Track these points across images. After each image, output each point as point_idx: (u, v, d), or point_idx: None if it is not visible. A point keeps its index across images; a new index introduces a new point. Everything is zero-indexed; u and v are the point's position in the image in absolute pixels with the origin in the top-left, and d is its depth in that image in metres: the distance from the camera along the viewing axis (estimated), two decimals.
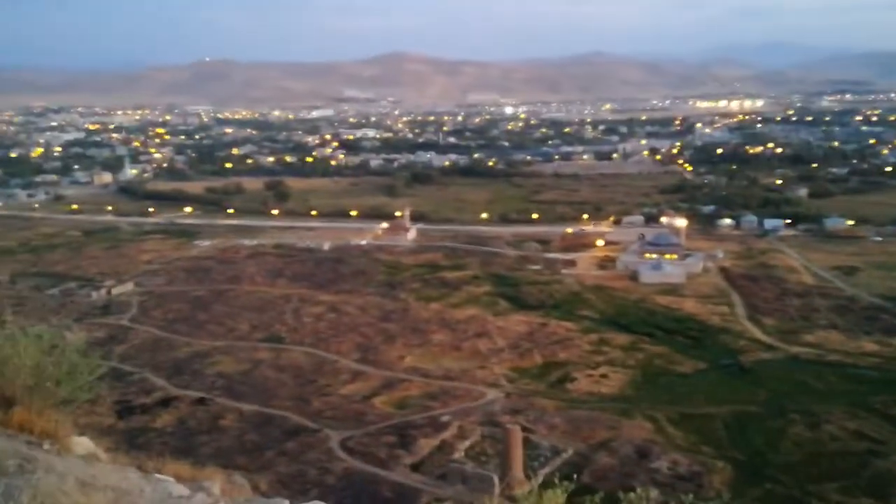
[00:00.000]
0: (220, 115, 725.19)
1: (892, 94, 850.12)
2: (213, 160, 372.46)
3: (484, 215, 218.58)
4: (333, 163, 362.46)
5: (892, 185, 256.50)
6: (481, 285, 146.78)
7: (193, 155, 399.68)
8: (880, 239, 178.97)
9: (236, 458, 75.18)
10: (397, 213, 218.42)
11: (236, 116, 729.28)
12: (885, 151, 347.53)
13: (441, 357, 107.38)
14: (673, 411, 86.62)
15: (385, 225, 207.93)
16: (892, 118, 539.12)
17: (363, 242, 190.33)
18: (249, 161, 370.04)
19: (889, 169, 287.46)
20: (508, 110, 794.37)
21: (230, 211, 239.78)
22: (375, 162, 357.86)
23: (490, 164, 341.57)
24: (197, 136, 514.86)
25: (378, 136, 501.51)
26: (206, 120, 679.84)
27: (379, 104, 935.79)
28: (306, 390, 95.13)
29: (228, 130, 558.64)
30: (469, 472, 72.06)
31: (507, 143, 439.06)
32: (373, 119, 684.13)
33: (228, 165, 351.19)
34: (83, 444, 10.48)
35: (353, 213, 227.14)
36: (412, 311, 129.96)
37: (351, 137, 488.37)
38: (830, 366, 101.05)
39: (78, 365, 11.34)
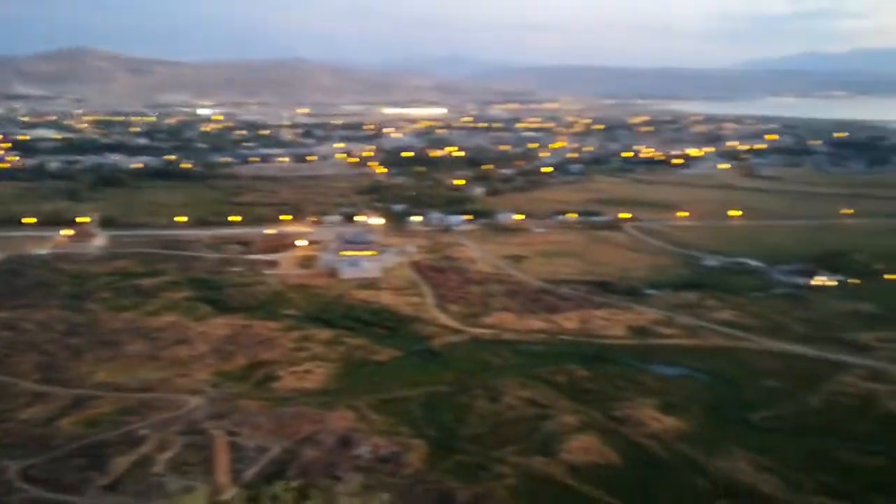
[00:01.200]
0: None
1: (549, 105, 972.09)
2: None
3: (181, 218, 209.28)
4: (4, 165, 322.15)
5: (550, 183, 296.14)
6: (180, 291, 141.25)
7: None
8: (542, 230, 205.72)
9: None
10: (82, 219, 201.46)
11: None
12: (544, 154, 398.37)
13: (137, 369, 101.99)
14: (373, 398, 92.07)
15: (68, 232, 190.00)
16: (548, 125, 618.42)
17: (43, 252, 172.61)
18: None
19: (547, 169, 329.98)
20: (203, 112, 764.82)
21: None
22: (55, 164, 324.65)
23: (185, 166, 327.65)
24: None
25: (58, 136, 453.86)
26: None
27: (57, 102, 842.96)
28: None
29: None
30: (171, 484, 70.44)
31: (203, 145, 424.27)
32: (52, 118, 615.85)
33: None
34: None
35: (29, 220, 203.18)
36: (102, 322, 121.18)
37: (25, 138, 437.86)
38: (506, 344, 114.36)
39: None
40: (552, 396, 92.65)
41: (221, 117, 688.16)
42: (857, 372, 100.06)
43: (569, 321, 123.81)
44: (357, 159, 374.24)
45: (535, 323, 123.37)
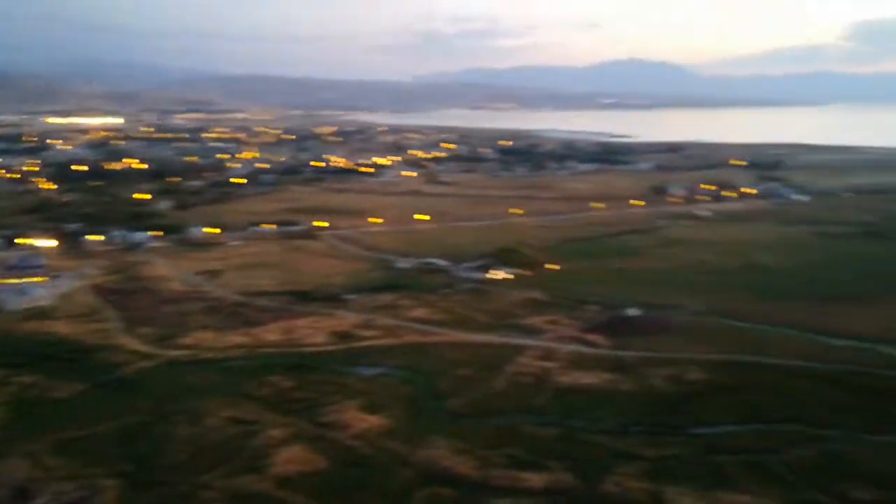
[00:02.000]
0: None
1: (236, 115, 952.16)
2: None
3: None
4: None
5: (243, 195, 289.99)
6: None
7: None
8: (237, 243, 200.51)
9: None
10: None
11: None
12: (235, 165, 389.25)
13: None
14: (54, 440, 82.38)
15: None
16: (237, 136, 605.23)
17: None
18: None
19: (239, 180, 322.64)
20: None
21: None
22: None
23: None
24: None
25: None
26: None
27: None
28: None
29: None
30: None
31: None
32: None
33: None
34: None
35: None
36: None
37: None
38: (206, 363, 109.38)
39: None
40: (258, 411, 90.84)
41: None
42: (531, 353, 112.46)
43: (270, 333, 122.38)
44: (18, 175, 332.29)
45: (236, 338, 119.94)
